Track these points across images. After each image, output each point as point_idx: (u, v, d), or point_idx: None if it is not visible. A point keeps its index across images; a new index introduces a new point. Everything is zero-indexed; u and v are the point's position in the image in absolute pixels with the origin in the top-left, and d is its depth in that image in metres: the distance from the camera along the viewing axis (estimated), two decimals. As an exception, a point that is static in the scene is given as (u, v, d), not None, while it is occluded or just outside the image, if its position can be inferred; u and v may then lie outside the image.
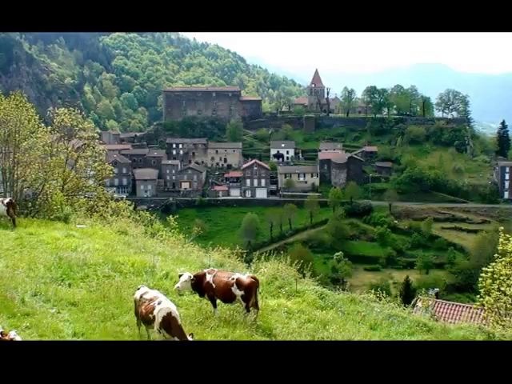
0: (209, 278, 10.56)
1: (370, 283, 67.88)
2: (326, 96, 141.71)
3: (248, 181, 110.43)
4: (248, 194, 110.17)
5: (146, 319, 8.39)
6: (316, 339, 10.20)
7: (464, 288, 72.62)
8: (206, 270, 11.03)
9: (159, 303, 8.14)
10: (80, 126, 23.76)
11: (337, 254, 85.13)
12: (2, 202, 17.48)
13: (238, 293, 10.25)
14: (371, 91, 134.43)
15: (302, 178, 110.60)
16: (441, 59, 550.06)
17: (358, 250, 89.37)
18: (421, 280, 73.84)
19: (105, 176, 25.10)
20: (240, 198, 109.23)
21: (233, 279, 10.38)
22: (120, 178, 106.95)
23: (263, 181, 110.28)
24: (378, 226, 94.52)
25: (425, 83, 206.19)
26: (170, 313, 7.87)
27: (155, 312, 8.04)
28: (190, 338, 7.70)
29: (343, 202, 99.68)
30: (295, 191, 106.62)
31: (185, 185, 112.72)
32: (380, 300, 13.33)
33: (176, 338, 7.73)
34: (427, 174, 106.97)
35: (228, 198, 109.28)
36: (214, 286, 10.47)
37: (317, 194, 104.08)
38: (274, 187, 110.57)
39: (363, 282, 73.16)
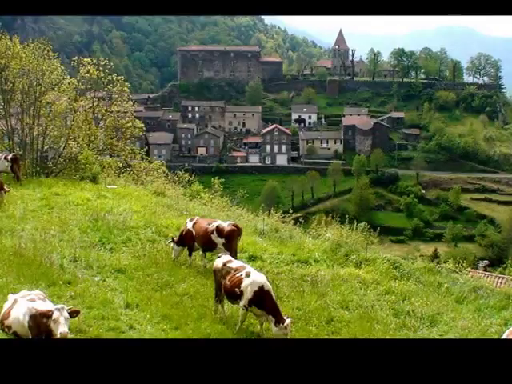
0: (189, 225, 10.31)
1: (395, 256, 66.35)
2: (350, 58, 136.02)
3: (268, 146, 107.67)
4: (268, 161, 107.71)
5: (231, 294, 6.73)
6: (399, 313, 9.62)
7: (495, 262, 70.60)
8: (188, 219, 10.84)
9: (248, 275, 6.45)
10: (108, 78, 21.85)
11: (361, 224, 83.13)
12: (6, 158, 16.33)
13: (219, 240, 9.86)
14: (398, 54, 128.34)
15: (324, 145, 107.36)
16: (467, 22, 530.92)
17: (383, 221, 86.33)
18: (449, 253, 71.87)
19: (134, 134, 23.51)
20: (259, 164, 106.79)
21: (213, 226, 10.04)
22: (133, 142, 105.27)
23: (284, 147, 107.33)
24: (405, 195, 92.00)
25: (451, 46, 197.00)
26: (262, 286, 6.26)
27: (243, 286, 6.39)
28: (287, 321, 6.02)
29: (368, 170, 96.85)
30: (317, 158, 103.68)
31: (201, 150, 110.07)
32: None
33: (271, 317, 6.15)
34: (457, 142, 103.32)
35: (247, 164, 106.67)
36: (193, 232, 10.17)
37: (340, 162, 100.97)
38: (295, 154, 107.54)
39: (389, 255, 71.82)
